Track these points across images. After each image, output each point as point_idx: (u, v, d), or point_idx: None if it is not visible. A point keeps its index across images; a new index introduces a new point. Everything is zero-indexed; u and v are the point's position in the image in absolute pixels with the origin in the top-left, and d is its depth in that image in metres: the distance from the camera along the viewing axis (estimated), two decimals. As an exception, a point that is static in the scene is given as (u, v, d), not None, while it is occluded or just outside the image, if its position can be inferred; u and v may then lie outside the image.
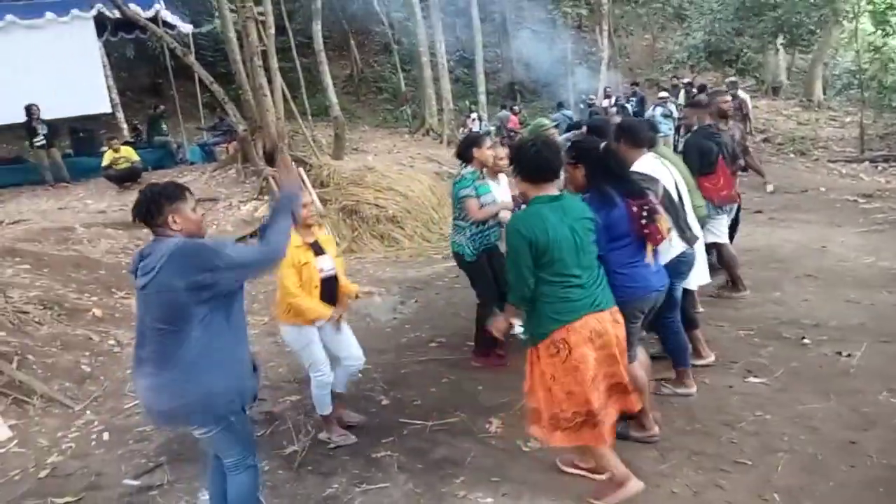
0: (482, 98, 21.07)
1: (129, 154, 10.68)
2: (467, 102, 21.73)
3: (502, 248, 4.65)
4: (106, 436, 4.15)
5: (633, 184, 3.09)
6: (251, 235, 8.66)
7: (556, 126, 5.46)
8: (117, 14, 11.71)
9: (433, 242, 9.53)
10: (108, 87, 13.32)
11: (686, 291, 3.94)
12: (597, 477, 3.06)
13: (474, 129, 17.51)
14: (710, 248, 5.22)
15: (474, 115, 18.22)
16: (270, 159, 9.94)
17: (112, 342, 5.45)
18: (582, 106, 16.81)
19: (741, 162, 5.72)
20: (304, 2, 20.21)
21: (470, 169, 4.41)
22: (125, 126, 14.94)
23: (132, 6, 11.30)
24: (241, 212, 9.01)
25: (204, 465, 2.97)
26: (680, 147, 13.76)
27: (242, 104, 10.77)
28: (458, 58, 24.35)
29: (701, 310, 5.11)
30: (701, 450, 3.26)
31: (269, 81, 10.36)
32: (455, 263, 4.78)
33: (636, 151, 3.67)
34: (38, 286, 5.94)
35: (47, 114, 11.14)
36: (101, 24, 12.24)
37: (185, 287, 2.31)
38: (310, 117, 15.08)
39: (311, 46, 18.19)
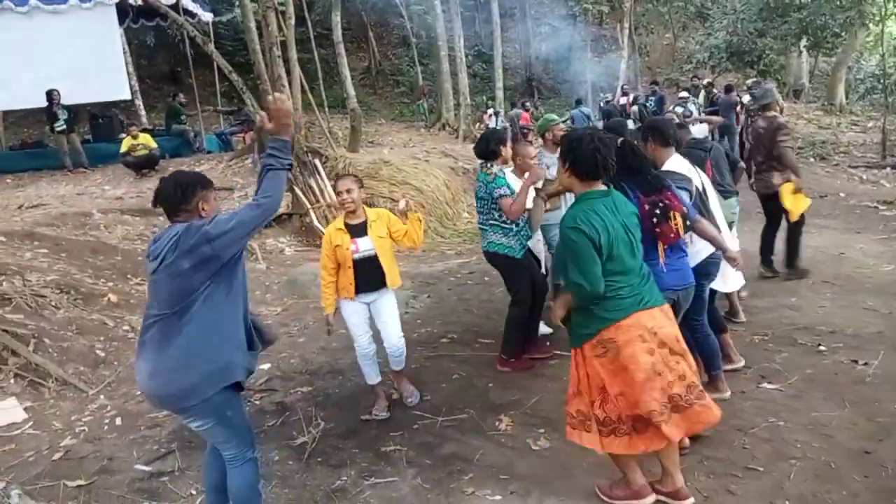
0: (499, 94, 21.01)
1: (147, 141, 10.77)
2: (484, 98, 21.69)
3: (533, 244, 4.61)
4: (119, 420, 4.20)
5: (651, 180, 3.03)
6: (266, 226, 8.71)
7: (565, 122, 5.43)
8: (139, 1, 11.78)
9: (446, 238, 9.53)
10: (129, 74, 13.43)
11: (712, 292, 3.86)
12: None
13: (491, 125, 17.45)
14: None
15: (491, 111, 18.16)
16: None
17: (126, 328, 5.50)
18: (602, 104, 16.69)
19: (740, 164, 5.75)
20: (323, -7, 20.24)
21: (498, 166, 4.31)
22: (144, 113, 15.07)
23: (154, -7, 11.36)
24: (256, 202, 9.04)
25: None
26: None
27: (260, 94, 10.79)
28: (476, 53, 24.30)
29: (743, 318, 5.04)
30: (713, 455, 3.24)
31: (288, 72, 10.37)
32: (485, 260, 4.65)
33: (666, 150, 3.64)
34: (55, 270, 6.00)
35: (68, 99, 11.26)
36: (122, 10, 12.33)
37: (192, 265, 2.37)
38: (326, 109, 15.11)
39: (330, 38, 18.22)
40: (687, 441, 3.17)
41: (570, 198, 3.41)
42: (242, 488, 2.67)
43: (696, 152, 4.75)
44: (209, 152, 12.97)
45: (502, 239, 4.33)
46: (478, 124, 20.48)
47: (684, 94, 13.08)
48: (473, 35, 23.74)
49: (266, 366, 4.93)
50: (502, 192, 4.20)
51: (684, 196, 3.26)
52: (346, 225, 3.83)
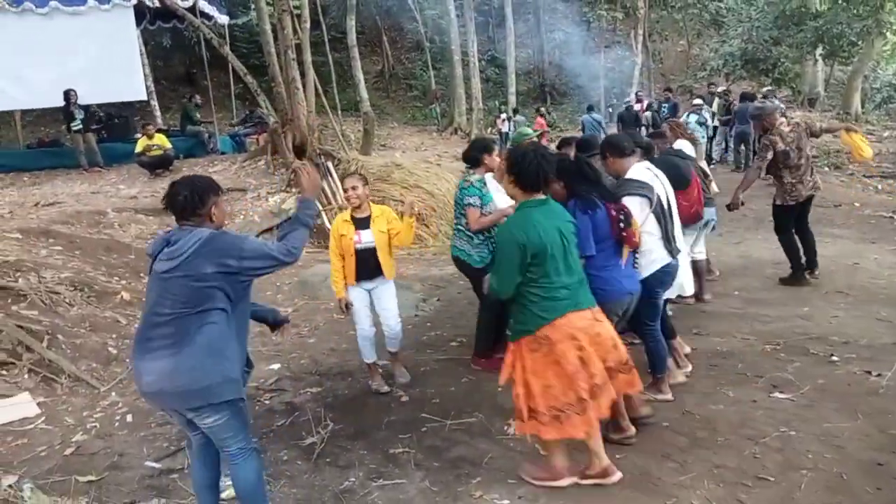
0: (512, 98, 21.02)
1: (162, 142, 10.86)
2: (497, 103, 21.71)
3: None
4: (129, 417, 4.23)
5: (608, 190, 3.38)
6: (277, 227, 8.76)
7: (540, 135, 5.68)
8: (156, 3, 11.91)
9: (457, 241, 9.52)
10: (145, 76, 13.56)
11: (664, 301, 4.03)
12: (605, 481, 3.08)
13: (504, 130, 17.48)
14: None
15: (505, 115, 18.18)
16: (300, 152, 10.02)
17: (138, 325, 5.53)
18: (610, 110, 16.66)
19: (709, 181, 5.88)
20: (338, -3, 20.35)
21: (477, 176, 4.42)
22: (159, 114, 15.20)
23: (171, -5, 11.50)
24: (268, 203, 9.10)
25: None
26: (714, 155, 13.63)
27: (274, 96, 10.88)
28: (489, 58, 24.34)
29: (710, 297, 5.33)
30: (722, 463, 3.21)
31: (302, 75, 10.45)
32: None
33: (625, 160, 3.81)
34: (70, 267, 6.07)
35: (84, 99, 11.40)
36: (140, 12, 12.46)
37: (214, 272, 2.43)
38: (339, 112, 15.19)
39: (344, 41, 18.34)
40: (633, 430, 3.43)
41: None
42: (252, 480, 2.70)
43: (678, 160, 5.08)
44: (223, 153, 13.07)
45: (465, 246, 4.49)
46: (490, 129, 20.52)
47: (698, 101, 13.01)
48: (487, 40, 23.81)
49: (276, 366, 4.96)
50: (471, 202, 4.35)
51: (644, 202, 3.57)
52: (352, 217, 4.22)
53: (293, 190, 9.42)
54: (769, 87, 13.81)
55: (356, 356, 4.96)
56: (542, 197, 2.97)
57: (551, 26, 24.67)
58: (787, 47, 18.31)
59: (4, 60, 11.21)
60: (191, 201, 2.56)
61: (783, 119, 6.25)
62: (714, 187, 6.00)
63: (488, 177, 4.55)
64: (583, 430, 2.92)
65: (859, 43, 17.51)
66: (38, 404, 4.34)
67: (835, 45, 17.34)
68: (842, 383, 4.04)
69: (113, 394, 4.59)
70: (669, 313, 4.48)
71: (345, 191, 4.25)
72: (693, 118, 12.39)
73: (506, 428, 3.73)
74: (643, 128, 14.73)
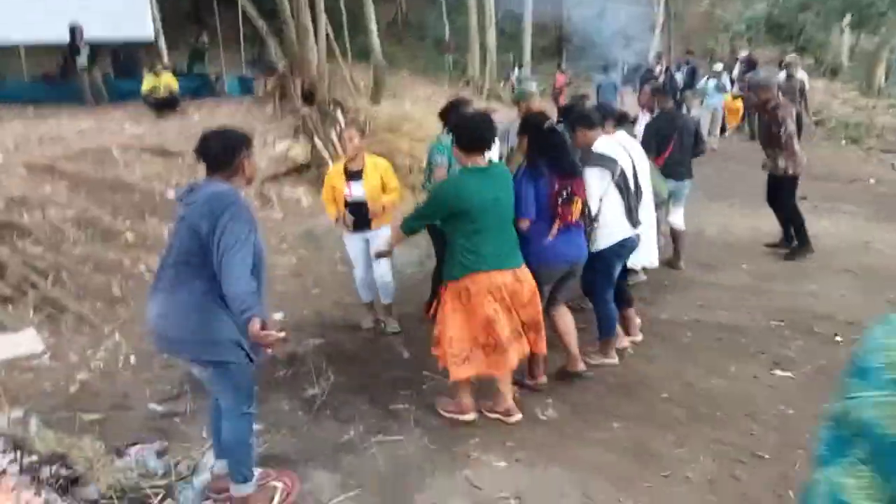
0: (527, 52, 20.54)
1: (169, 82, 10.66)
2: (511, 56, 21.23)
3: None
4: (133, 359, 4.26)
5: (567, 166, 3.41)
6: (284, 174, 8.68)
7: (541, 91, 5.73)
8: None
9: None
10: (152, 14, 13.23)
11: (624, 270, 4.19)
12: (509, 420, 3.42)
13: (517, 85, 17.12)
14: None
15: (517, 71, 17.79)
16: (309, 99, 9.84)
17: (143, 267, 5.54)
18: (625, 70, 16.15)
19: (703, 147, 5.93)
20: (354, -63, 19.67)
21: (449, 136, 4.31)
22: (166, 52, 14.88)
23: (182, -72, 11.10)
24: (274, 150, 8.96)
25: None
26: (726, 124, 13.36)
27: (284, 40, 10.62)
28: (505, 10, 23.67)
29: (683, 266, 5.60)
30: (720, 438, 3.24)
31: (314, 20, 10.16)
32: None
33: (593, 132, 3.91)
34: (75, 206, 6.03)
35: (90, 35, 11.13)
36: (148, -54, 12.08)
37: (207, 232, 2.39)
38: (350, 59, 14.85)
39: (358, -15, 17.78)
40: (544, 379, 3.76)
41: None
42: (233, 441, 2.69)
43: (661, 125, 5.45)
44: (230, 95, 12.84)
45: None
46: (503, 82, 20.12)
47: (718, 66, 12.68)
48: (504, -9, 23.08)
49: (279, 315, 4.96)
50: (439, 161, 4.34)
51: (604, 173, 3.73)
52: (346, 169, 4.34)
53: (300, 138, 9.29)
54: (792, 55, 13.34)
55: (359, 310, 4.98)
56: (483, 164, 3.17)
57: (571, -20, 23.91)
58: (815, 15, 17.74)
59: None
60: (222, 154, 2.54)
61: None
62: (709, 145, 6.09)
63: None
64: (491, 370, 3.26)
65: (889, 13, 16.96)
66: (44, 341, 4.37)
67: (863, 15, 16.81)
68: (844, 364, 4.00)
69: (116, 334, 4.61)
70: (631, 283, 4.73)
71: (340, 140, 4.28)
72: (712, 83, 12.12)
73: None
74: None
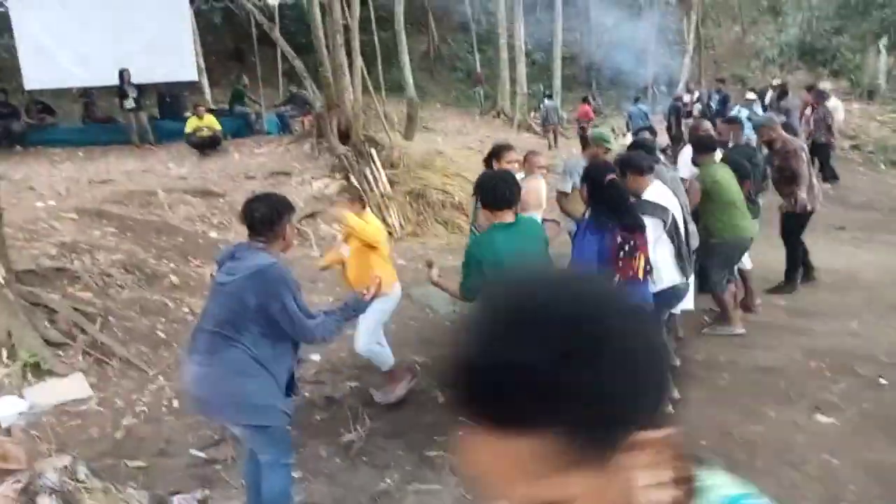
0: (557, 83, 20.69)
1: (211, 123, 11.07)
2: (541, 86, 21.41)
3: None
4: (176, 403, 4.39)
5: (630, 221, 3.36)
6: (321, 212, 8.87)
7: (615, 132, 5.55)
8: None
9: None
10: (196, 53, 13.79)
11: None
12: None
13: (548, 117, 17.26)
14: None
15: (546, 101, 17.93)
16: (345, 138, 10.09)
17: (186, 310, 5.72)
18: (673, 101, 16.00)
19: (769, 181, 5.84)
20: (386, -24, 20.22)
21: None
22: (208, 90, 15.46)
23: (223, -25, 11.63)
24: (312, 188, 9.21)
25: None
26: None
27: (321, 80, 10.95)
28: (535, 41, 23.94)
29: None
30: (761, 490, 3.17)
31: (349, 55, 10.45)
32: None
33: (643, 179, 3.88)
34: (121, 249, 6.27)
35: (137, 78, 11.65)
36: (192, -10, 12.65)
37: (255, 306, 2.48)
38: (384, 93, 15.19)
39: (390, 20, 18.25)
40: None
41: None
42: (273, 495, 2.75)
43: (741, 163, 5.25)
44: (269, 133, 13.25)
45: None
46: (533, 112, 20.28)
47: (751, 95, 12.59)
48: (534, 22, 23.36)
49: (316, 357, 5.06)
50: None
51: (657, 224, 3.69)
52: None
53: (337, 176, 9.52)
54: (827, 84, 13.18)
55: (394, 351, 5.00)
56: (509, 220, 3.18)
57: (600, 9, 24.11)
58: (850, 38, 17.53)
59: (65, 37, 11.53)
60: (267, 219, 2.61)
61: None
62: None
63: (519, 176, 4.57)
64: None
65: (927, 34, 16.69)
66: (91, 386, 4.53)
67: (900, 36, 16.57)
68: (889, 408, 3.94)
69: (161, 378, 4.76)
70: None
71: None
72: (744, 112, 12.01)
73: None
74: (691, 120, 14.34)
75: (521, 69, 19.90)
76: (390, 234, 8.88)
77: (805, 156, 5.81)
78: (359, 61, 10.71)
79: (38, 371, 4.47)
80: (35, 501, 2.73)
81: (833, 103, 11.00)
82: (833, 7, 17.27)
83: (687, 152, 6.02)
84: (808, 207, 5.79)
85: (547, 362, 0.54)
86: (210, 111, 11.93)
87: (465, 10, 23.07)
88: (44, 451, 3.64)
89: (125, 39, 11.53)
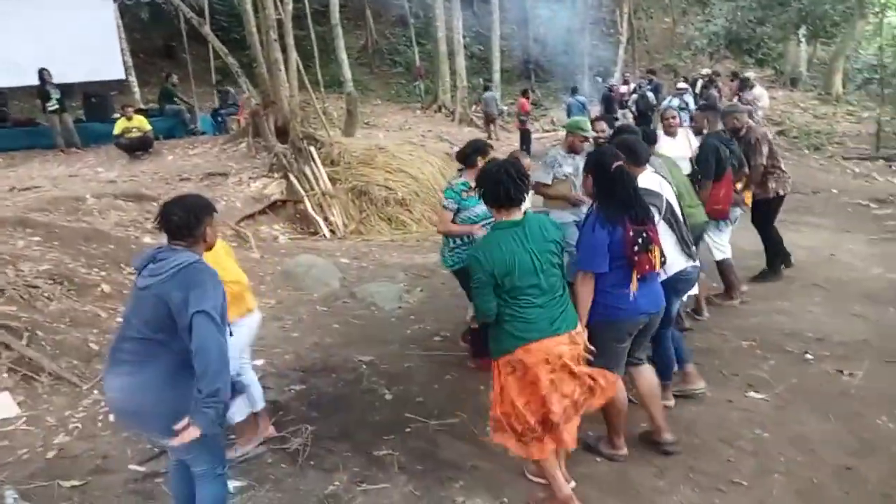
0: (497, 76, 20.84)
1: (141, 123, 10.66)
2: (481, 80, 21.53)
3: None
4: (112, 417, 4.21)
5: (638, 208, 3.09)
6: (260, 213, 8.69)
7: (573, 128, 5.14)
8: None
9: (441, 227, 9.52)
10: (122, 51, 13.24)
11: None
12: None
13: (488, 109, 17.34)
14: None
15: (486, 94, 18.04)
16: (282, 135, 9.90)
17: (119, 320, 5.49)
18: (606, 91, 16.35)
19: (745, 169, 5.67)
20: (320, -30, 19.90)
21: (463, 179, 4.33)
22: (137, 90, 14.87)
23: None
24: (250, 189, 9.00)
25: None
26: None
27: (256, 76, 10.70)
28: (474, 34, 24.03)
29: (706, 316, 5.19)
30: (699, 467, 3.30)
31: (284, 51, 10.22)
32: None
33: (639, 169, 3.68)
34: (48, 259, 5.97)
35: (60, 78, 11.11)
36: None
37: (180, 301, 2.36)
38: (322, 89, 14.97)
39: (327, 14, 18.00)
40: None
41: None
42: (210, 502, 2.68)
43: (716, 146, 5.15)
44: (203, 133, 12.86)
45: (443, 246, 4.50)
46: (474, 106, 20.38)
47: (683, 85, 12.99)
48: (472, 15, 23.46)
49: (260, 361, 4.95)
50: (446, 204, 4.33)
51: (652, 211, 3.36)
52: None
53: (275, 175, 9.33)
54: (750, 74, 13.65)
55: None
56: (517, 217, 2.90)
57: (536, 2, 24.39)
58: (771, 28, 18.30)
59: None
60: (185, 222, 2.50)
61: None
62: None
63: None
64: (540, 454, 2.93)
65: (842, 24, 17.57)
66: (19, 404, 4.30)
67: (818, 26, 17.41)
68: (815, 383, 4.15)
69: (95, 392, 4.55)
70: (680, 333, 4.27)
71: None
72: (675, 102, 12.38)
73: (489, 429, 3.78)
74: (628, 112, 14.71)
75: (461, 62, 19.95)
76: (333, 232, 8.79)
77: (770, 142, 5.88)
78: (294, 57, 10.52)
79: (-42, 392, 4.22)
80: (-41, 532, 2.57)
81: (758, 91, 11.46)
82: (755, -1, 18.00)
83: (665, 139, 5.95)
84: (781, 192, 5.91)
85: None
86: (139, 111, 11.50)
87: (402, 3, 22.93)
88: (-32, 477, 3.44)
89: (45, 37, 10.96)
